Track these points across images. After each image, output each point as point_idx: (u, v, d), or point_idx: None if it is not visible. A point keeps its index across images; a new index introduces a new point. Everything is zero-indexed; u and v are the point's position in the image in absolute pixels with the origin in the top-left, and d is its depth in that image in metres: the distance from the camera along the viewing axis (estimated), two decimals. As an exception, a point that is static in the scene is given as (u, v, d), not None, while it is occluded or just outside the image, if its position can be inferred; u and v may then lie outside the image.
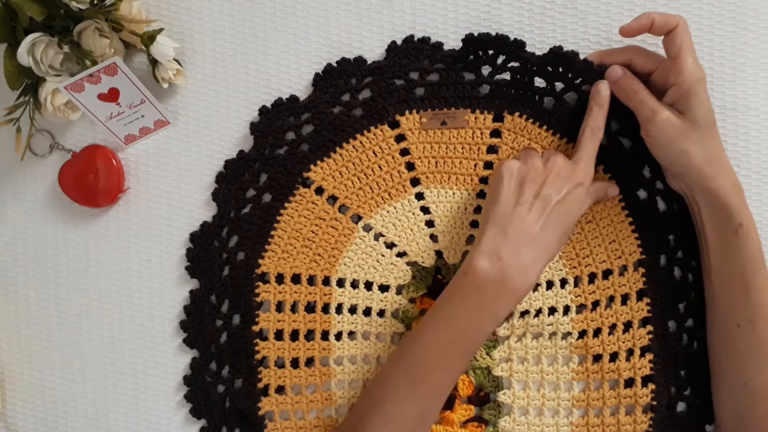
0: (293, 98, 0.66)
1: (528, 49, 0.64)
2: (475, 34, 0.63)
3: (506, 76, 0.64)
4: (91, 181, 0.67)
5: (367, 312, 0.66)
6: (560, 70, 0.62)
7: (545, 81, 0.64)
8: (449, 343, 0.57)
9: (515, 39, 0.63)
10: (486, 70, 0.64)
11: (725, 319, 0.60)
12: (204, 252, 0.66)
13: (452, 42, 0.65)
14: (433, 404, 0.58)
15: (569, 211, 0.58)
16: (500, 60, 0.64)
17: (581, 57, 0.62)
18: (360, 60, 0.65)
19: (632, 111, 0.60)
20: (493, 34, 0.63)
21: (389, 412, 0.57)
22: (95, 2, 0.60)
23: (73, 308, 0.69)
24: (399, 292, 0.66)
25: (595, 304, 0.64)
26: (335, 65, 0.65)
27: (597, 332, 0.64)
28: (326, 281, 0.66)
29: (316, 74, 0.65)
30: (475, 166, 0.65)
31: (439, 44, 0.65)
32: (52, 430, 0.70)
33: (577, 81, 0.63)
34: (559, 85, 0.64)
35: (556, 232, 0.57)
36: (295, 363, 0.66)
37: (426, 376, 0.57)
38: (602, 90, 0.60)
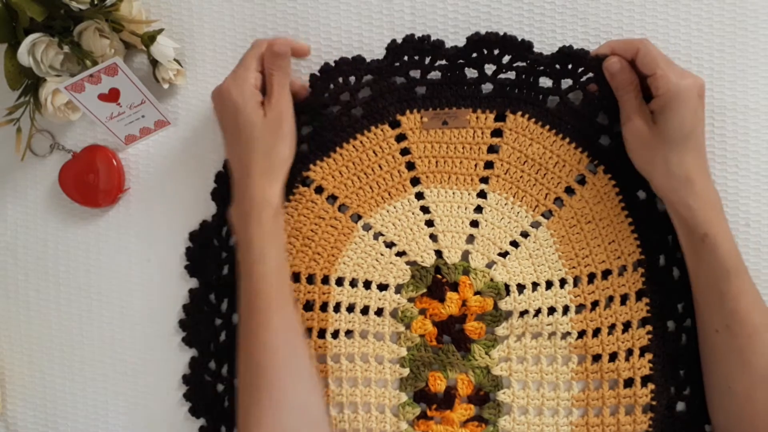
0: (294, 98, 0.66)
1: (527, 49, 0.64)
2: (482, 32, 0.63)
3: (509, 74, 0.64)
4: (92, 181, 0.67)
5: (365, 311, 0.65)
6: (569, 67, 0.62)
7: (552, 80, 0.63)
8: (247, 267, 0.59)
9: (523, 39, 0.63)
10: (489, 68, 0.64)
11: (705, 324, 0.60)
12: (203, 251, 0.66)
13: (452, 42, 0.65)
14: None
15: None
16: (505, 59, 0.63)
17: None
18: (359, 59, 0.64)
19: None
20: (501, 33, 0.63)
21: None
22: (95, 2, 0.60)
23: (73, 308, 0.69)
24: (398, 291, 0.66)
25: (595, 304, 0.64)
26: (332, 65, 0.64)
27: (596, 332, 0.64)
28: (325, 280, 0.66)
29: (312, 75, 0.64)
30: (476, 166, 0.65)
31: (440, 42, 0.64)
32: (52, 430, 0.70)
33: (583, 79, 0.63)
34: (564, 84, 0.63)
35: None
36: (293, 362, 0.66)
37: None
38: None
